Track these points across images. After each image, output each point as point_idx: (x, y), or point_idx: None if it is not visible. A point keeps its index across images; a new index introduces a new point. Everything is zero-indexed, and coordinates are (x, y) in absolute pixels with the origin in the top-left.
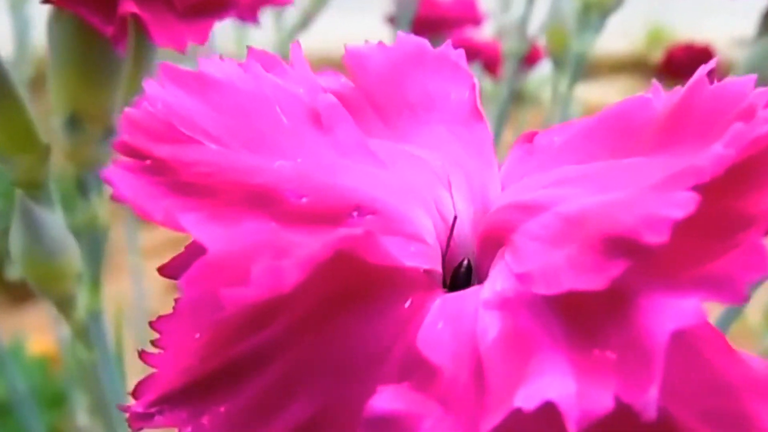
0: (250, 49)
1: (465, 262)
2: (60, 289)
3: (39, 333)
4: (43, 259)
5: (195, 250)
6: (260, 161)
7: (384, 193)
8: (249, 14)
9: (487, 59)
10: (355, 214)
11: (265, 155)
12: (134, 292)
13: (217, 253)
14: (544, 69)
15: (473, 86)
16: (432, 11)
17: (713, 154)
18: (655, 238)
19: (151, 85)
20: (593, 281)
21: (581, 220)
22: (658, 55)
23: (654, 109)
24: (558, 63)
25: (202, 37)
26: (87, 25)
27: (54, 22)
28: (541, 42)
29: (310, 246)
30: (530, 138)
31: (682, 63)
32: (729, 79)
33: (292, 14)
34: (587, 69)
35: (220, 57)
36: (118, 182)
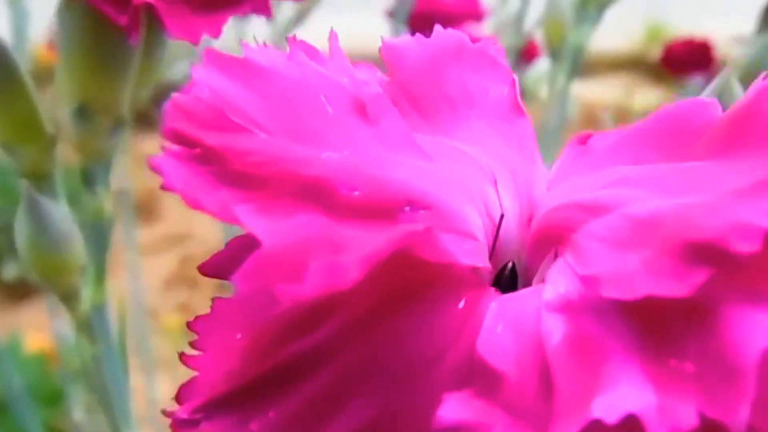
0: (290, 38)
1: (509, 265)
2: (64, 281)
3: (36, 330)
4: (47, 251)
5: (239, 247)
6: (309, 151)
7: (434, 187)
8: (262, 7)
9: None
10: (407, 209)
11: (312, 145)
12: (132, 288)
13: (273, 247)
14: (541, 66)
15: (513, 82)
16: (433, 6)
17: None
18: (746, 246)
19: (197, 71)
20: (674, 288)
21: (654, 224)
22: (656, 53)
23: (712, 114)
24: (555, 56)
25: (216, 30)
26: (99, 14)
27: (65, 10)
28: (538, 37)
29: (371, 242)
30: (584, 140)
31: (680, 58)
32: None
33: (287, 10)
34: (586, 66)
35: (264, 44)
36: (169, 172)
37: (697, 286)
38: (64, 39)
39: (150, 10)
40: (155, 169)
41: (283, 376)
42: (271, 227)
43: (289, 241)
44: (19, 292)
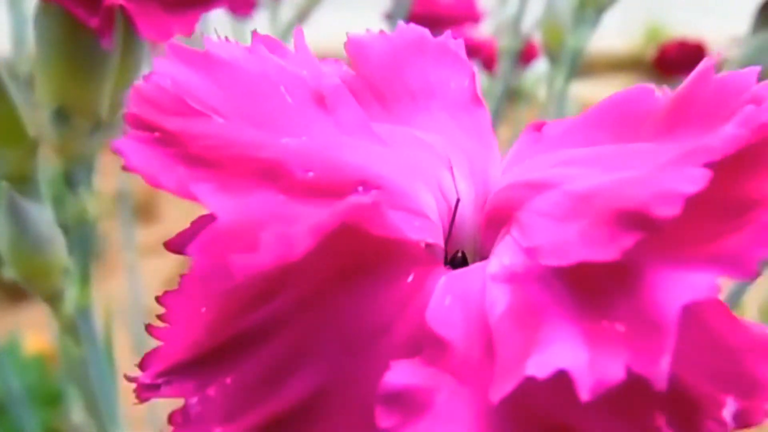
0: (254, 33)
1: (459, 254)
2: (47, 283)
3: (35, 331)
4: (29, 254)
5: (201, 225)
6: (267, 137)
7: (388, 169)
8: (242, 7)
9: (485, 57)
10: (360, 188)
11: (270, 131)
12: (130, 289)
13: (228, 221)
14: (540, 67)
15: (473, 75)
16: (431, 8)
17: (725, 134)
18: (667, 211)
19: (160, 62)
20: (604, 252)
21: (591, 197)
22: (655, 54)
23: (656, 99)
24: (553, 59)
25: (189, 29)
26: (74, 18)
27: (41, 14)
28: (536, 38)
29: (319, 214)
30: (539, 127)
31: (675, 60)
32: (733, 71)
33: (288, 10)
34: (585, 67)
35: (226, 38)
36: (130, 153)
37: (624, 251)
38: (41, 43)
39: (123, 11)
40: (117, 150)
41: (240, 344)
42: (227, 204)
43: (243, 216)
44: (19, 292)
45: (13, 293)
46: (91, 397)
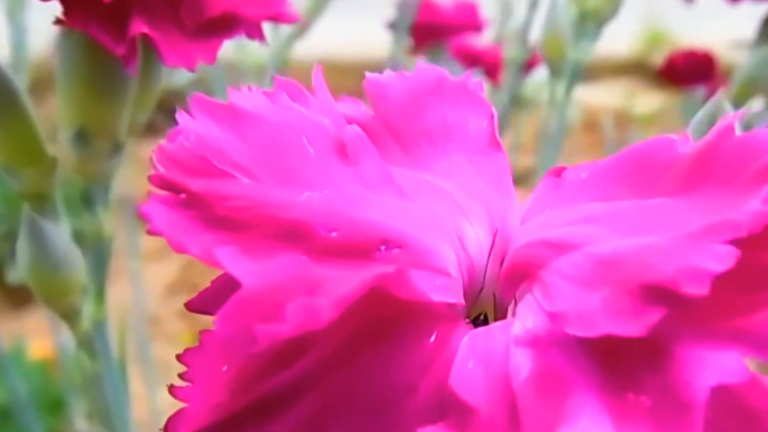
0: (276, 78)
1: (482, 317)
2: (66, 301)
3: (39, 338)
4: (49, 272)
5: (223, 284)
6: (291, 194)
7: (409, 226)
8: (255, 31)
9: (487, 65)
10: (382, 248)
11: (293, 187)
12: (134, 296)
13: (252, 288)
14: (540, 73)
15: (491, 116)
16: (434, 18)
17: (752, 211)
18: (695, 290)
19: (183, 118)
20: (630, 327)
21: (615, 263)
22: (657, 58)
23: (676, 151)
24: (555, 71)
25: (211, 56)
26: (97, 44)
27: (63, 39)
28: (540, 49)
29: (344, 284)
30: (558, 173)
31: (682, 69)
32: (757, 130)
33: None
34: (586, 72)
35: (249, 88)
36: (156, 217)
37: (651, 326)
38: (62, 67)
39: (146, 39)
40: (143, 215)
41: (265, 409)
42: (251, 269)
43: (267, 283)
44: (23, 298)
45: (17, 299)
46: (104, 409)
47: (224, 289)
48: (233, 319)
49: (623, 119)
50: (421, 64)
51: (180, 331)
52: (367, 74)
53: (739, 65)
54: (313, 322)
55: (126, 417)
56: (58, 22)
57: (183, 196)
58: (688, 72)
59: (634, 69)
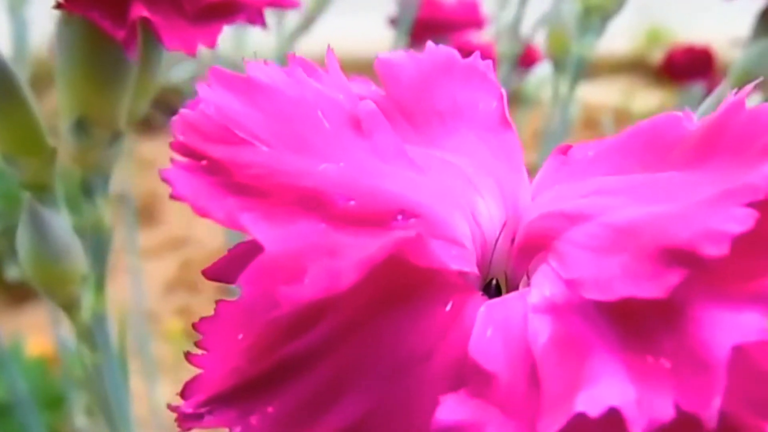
0: (290, 55)
1: (494, 282)
2: (66, 291)
3: (38, 334)
4: (49, 262)
5: (241, 253)
6: (308, 163)
7: (425, 197)
8: (257, 17)
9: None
10: (399, 217)
11: (310, 158)
12: (133, 292)
13: (275, 252)
14: (543, 70)
15: (501, 96)
16: (435, 14)
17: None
18: (715, 250)
19: (203, 88)
20: (650, 289)
21: (631, 231)
22: (657, 55)
23: (684, 127)
24: (558, 66)
25: (212, 41)
26: (96, 29)
27: (63, 25)
28: (536, 43)
29: (366, 248)
30: (565, 150)
31: (681, 65)
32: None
33: (293, 17)
34: (586, 69)
35: (265, 61)
36: (178, 182)
37: (671, 288)
38: (62, 54)
39: (146, 23)
40: (165, 179)
41: (282, 373)
42: (273, 234)
43: (290, 247)
44: (22, 294)
45: (16, 295)
46: (104, 402)
47: (241, 257)
48: (257, 281)
49: (622, 116)
50: (430, 45)
51: (179, 329)
52: (379, 54)
53: (737, 60)
54: (335, 284)
55: (126, 411)
56: (58, 6)
57: (204, 162)
58: (687, 68)
59: (633, 66)
